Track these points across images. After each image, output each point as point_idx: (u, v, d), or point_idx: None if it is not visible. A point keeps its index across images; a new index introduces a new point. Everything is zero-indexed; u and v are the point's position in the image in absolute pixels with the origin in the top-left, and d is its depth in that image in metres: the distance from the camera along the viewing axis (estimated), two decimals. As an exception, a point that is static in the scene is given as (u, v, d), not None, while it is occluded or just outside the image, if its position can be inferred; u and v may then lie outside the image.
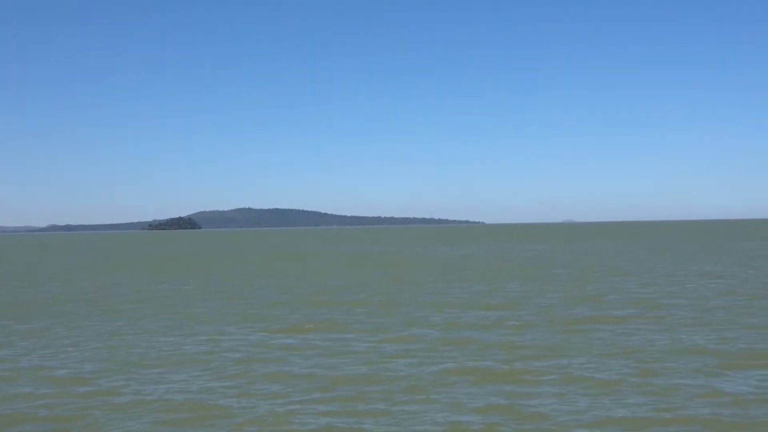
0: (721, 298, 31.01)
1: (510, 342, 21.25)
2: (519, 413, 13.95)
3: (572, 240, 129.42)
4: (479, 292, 35.63)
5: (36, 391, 16.50)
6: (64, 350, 21.55)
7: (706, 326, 23.42)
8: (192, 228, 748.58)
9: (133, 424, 13.74)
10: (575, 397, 14.90)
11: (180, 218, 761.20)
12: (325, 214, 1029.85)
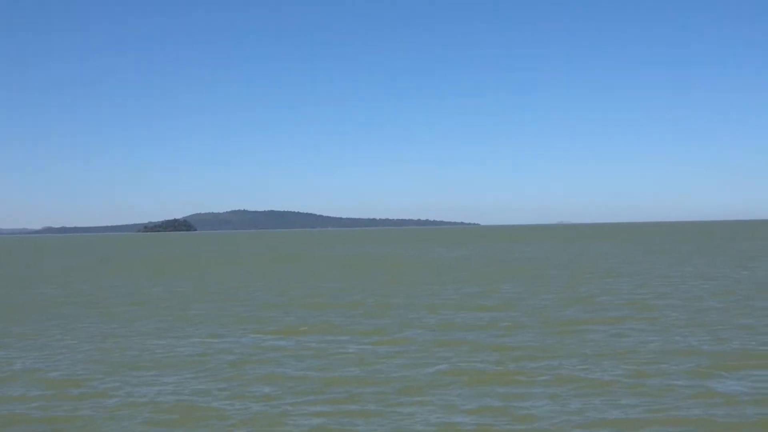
0: (715, 298, 31.06)
1: (503, 343, 21.26)
2: (512, 414, 13.95)
3: (567, 241, 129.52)
4: (473, 293, 35.64)
5: (29, 392, 16.47)
6: (58, 352, 21.52)
7: (700, 327, 23.45)
8: (187, 230, 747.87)
9: (126, 426, 13.72)
10: (568, 399, 14.91)
11: (175, 220, 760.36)
12: (320, 215, 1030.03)
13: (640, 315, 26.53)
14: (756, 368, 17.34)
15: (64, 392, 16.45)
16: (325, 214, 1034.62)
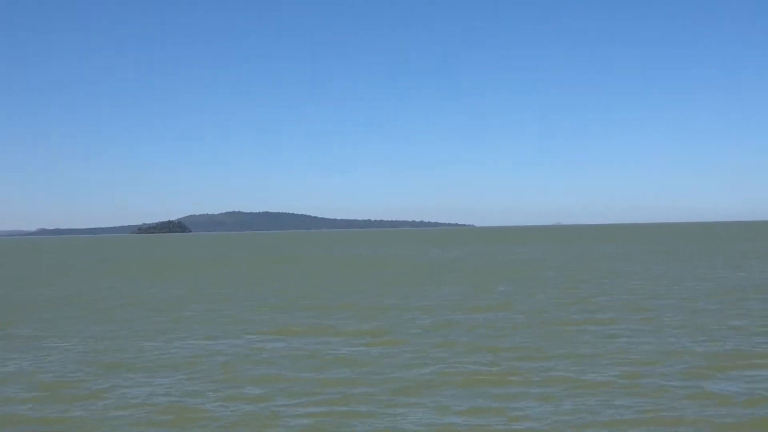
0: (710, 299, 31.07)
1: (498, 344, 21.24)
2: (506, 415, 13.93)
3: (563, 242, 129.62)
4: (468, 294, 35.63)
5: (23, 393, 16.41)
6: (52, 353, 21.45)
7: (694, 328, 23.45)
8: (181, 231, 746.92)
9: (119, 427, 13.67)
10: (562, 399, 14.89)
11: (169, 222, 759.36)
12: (315, 217, 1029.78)
13: (634, 316, 26.53)
14: (749, 369, 17.34)
15: (57, 393, 16.40)
16: (319, 215, 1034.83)
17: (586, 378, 16.62)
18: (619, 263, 59.39)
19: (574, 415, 13.80)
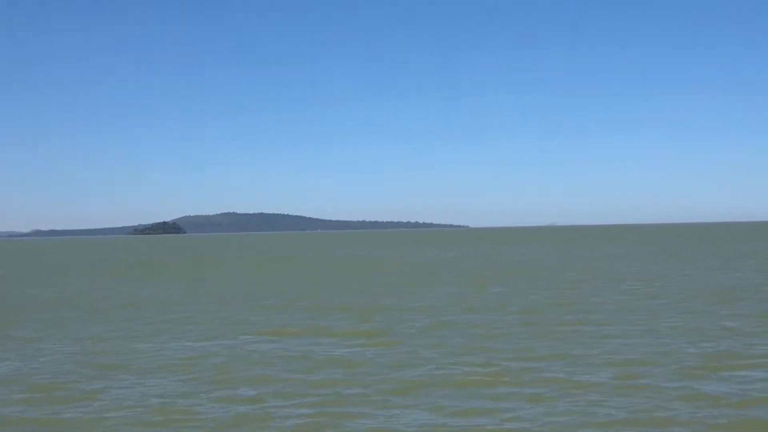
0: (705, 300, 31.13)
1: (491, 345, 21.26)
2: (499, 416, 13.95)
3: (558, 243, 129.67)
4: (463, 295, 35.65)
5: (15, 395, 16.39)
6: (46, 354, 21.42)
7: (688, 329, 23.50)
8: (177, 232, 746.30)
9: (112, 428, 13.67)
10: (555, 400, 14.91)
11: (165, 223, 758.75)
12: (310, 218, 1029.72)
13: (628, 316, 26.56)
14: (742, 369, 17.38)
15: (51, 395, 16.38)
16: (314, 216, 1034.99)
17: (579, 379, 16.65)
18: (615, 264, 59.45)
19: (568, 415, 13.82)
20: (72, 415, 14.68)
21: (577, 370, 17.61)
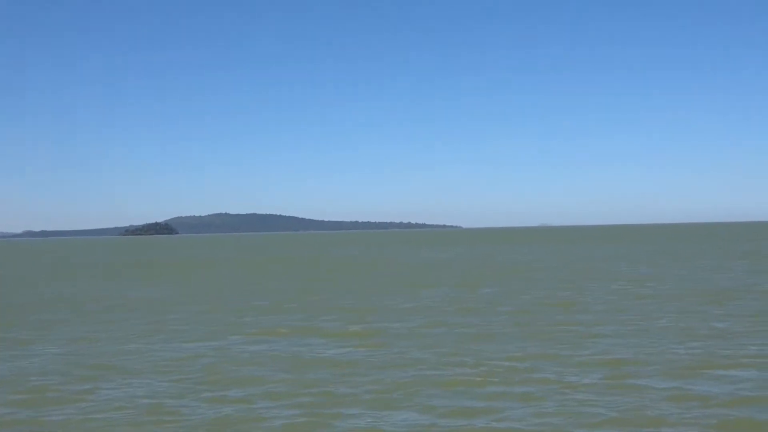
0: (696, 300, 31.17)
1: (481, 345, 21.25)
2: (488, 416, 13.94)
3: (555, 243, 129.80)
4: (455, 295, 35.64)
5: (3, 397, 16.31)
6: (35, 356, 21.34)
7: (679, 329, 23.54)
8: (169, 233, 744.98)
9: (99, 429, 13.62)
10: (544, 400, 14.91)
11: (156, 223, 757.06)
12: (303, 218, 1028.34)
13: (617, 317, 26.59)
14: (732, 369, 17.40)
15: (38, 397, 16.32)
16: (307, 216, 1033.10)
17: (569, 379, 16.65)
18: (610, 264, 59.53)
19: (557, 416, 13.81)
20: (62, 416, 14.62)
21: (568, 370, 17.62)
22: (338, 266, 68.31)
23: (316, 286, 43.20)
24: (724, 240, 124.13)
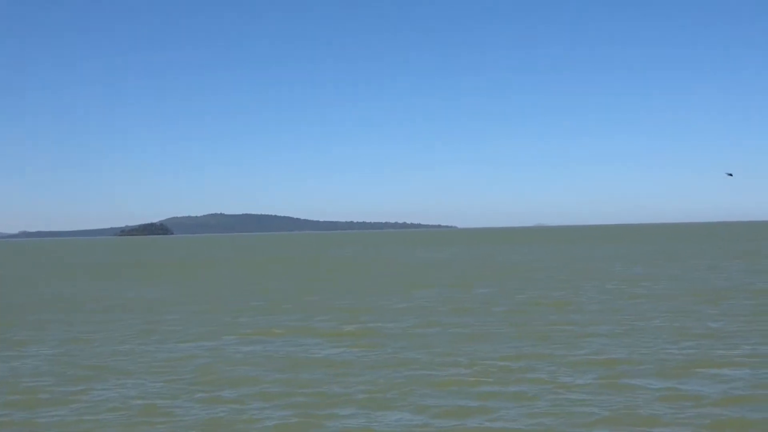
0: (690, 300, 31.20)
1: (475, 345, 21.25)
2: (481, 416, 13.94)
3: (548, 243, 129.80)
4: (449, 295, 35.63)
5: (-4, 398, 16.31)
6: (30, 357, 21.30)
7: (672, 329, 23.56)
8: (164, 234, 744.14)
9: (92, 430, 13.60)
10: (538, 400, 14.92)
11: (152, 224, 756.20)
12: (298, 219, 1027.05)
13: (611, 317, 26.61)
14: (725, 368, 17.42)
15: (32, 397, 16.29)
16: (302, 217, 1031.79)
17: (562, 378, 16.66)
18: (606, 264, 59.56)
19: (551, 415, 13.83)
20: (55, 417, 14.60)
21: (561, 369, 17.63)
22: (335, 266, 68.27)
23: (313, 287, 43.18)
24: (723, 240, 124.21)
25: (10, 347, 23.13)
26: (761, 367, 17.44)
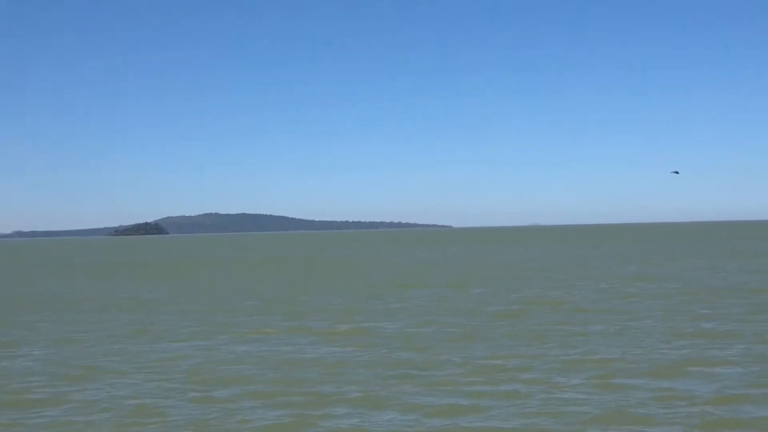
0: (684, 300, 31.23)
1: (468, 345, 21.25)
2: (475, 415, 13.92)
3: (545, 243, 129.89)
4: (444, 295, 35.63)
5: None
6: (21, 357, 21.25)
7: (665, 328, 23.58)
8: (159, 233, 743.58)
9: (84, 430, 13.56)
10: (530, 399, 14.91)
11: (146, 224, 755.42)
12: (293, 218, 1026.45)
13: (605, 317, 26.62)
14: (718, 367, 17.43)
15: (23, 397, 16.25)
16: (297, 216, 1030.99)
17: (555, 378, 16.65)
18: (602, 263, 59.62)
19: (543, 415, 13.81)
20: (46, 418, 14.55)
21: (554, 369, 17.62)
22: (330, 266, 68.24)
23: (308, 286, 43.15)
24: (721, 239, 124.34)
25: (2, 347, 23.05)
26: (754, 367, 17.45)
